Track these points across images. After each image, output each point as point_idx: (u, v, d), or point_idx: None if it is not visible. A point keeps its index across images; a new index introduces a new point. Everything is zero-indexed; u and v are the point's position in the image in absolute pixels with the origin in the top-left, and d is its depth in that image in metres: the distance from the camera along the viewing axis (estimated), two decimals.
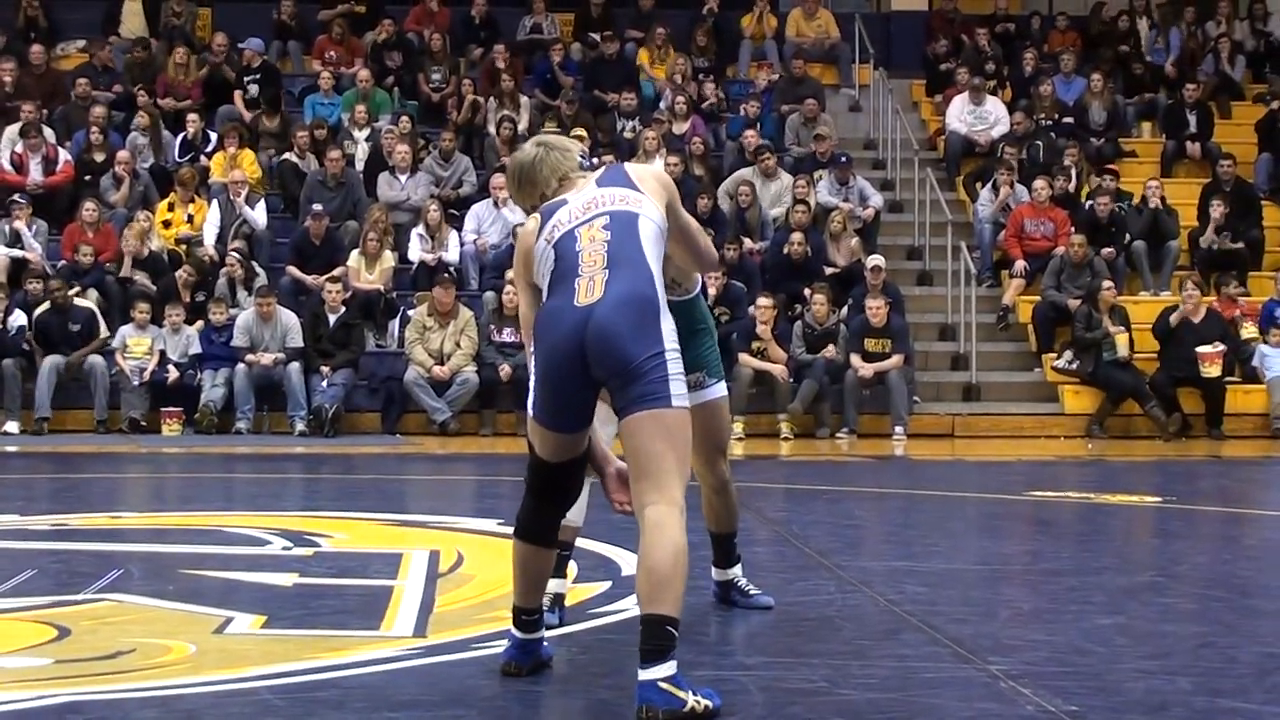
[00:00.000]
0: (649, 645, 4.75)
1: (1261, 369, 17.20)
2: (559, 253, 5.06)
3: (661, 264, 5.12)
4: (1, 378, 16.00)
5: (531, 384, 5.14)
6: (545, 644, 5.41)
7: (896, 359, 16.38)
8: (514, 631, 5.32)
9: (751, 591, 6.55)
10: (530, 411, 5.15)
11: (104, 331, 16.33)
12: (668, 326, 4.98)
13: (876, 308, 16.43)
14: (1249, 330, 17.58)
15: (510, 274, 16.89)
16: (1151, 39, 23.06)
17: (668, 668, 4.72)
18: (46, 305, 16.40)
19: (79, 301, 16.51)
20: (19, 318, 16.26)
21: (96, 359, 16.16)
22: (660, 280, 5.04)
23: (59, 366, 16.02)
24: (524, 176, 5.38)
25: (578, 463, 5.20)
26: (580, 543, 6.69)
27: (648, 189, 5.19)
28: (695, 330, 6.14)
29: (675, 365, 4.94)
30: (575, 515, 6.00)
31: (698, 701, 4.70)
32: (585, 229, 5.06)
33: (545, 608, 5.85)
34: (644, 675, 4.72)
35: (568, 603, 6.31)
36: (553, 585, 6.09)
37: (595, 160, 5.76)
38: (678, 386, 4.93)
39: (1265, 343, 17.33)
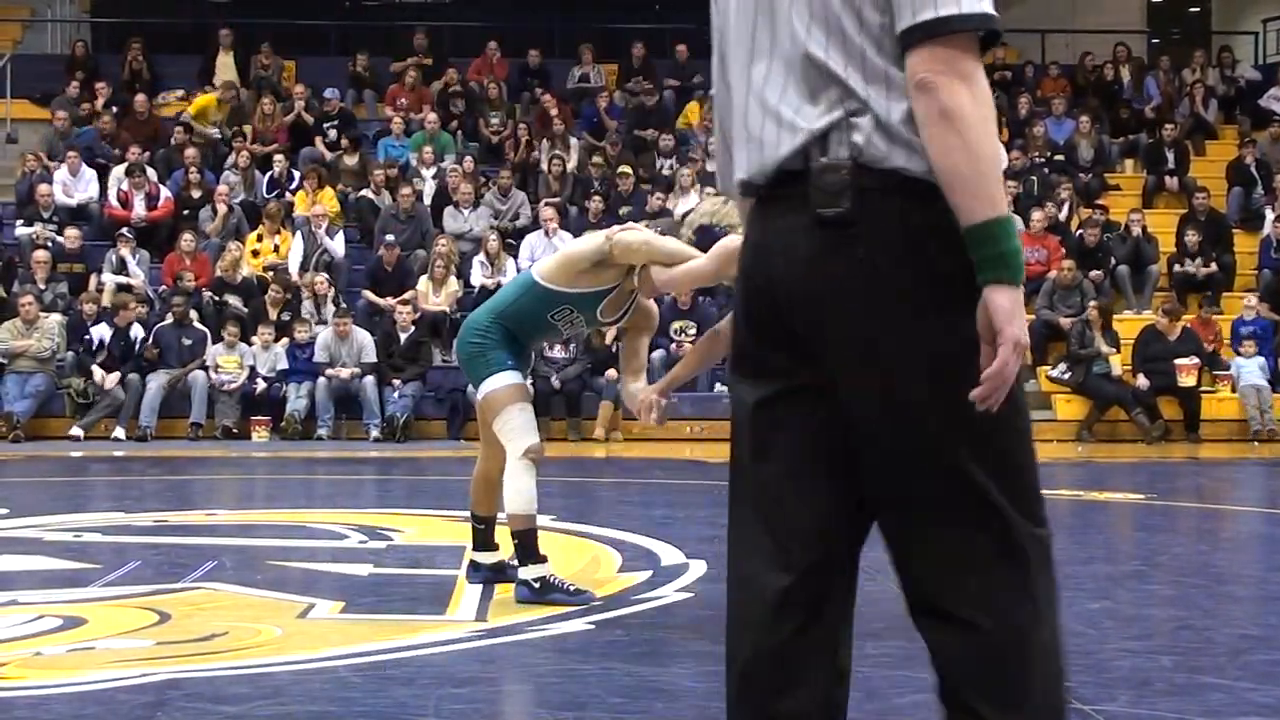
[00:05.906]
0: None
1: (1235, 379, 17.11)
2: None
3: None
4: (122, 391, 16.02)
5: None
6: None
7: None
8: None
9: None
10: None
11: (208, 353, 16.38)
12: None
13: None
14: (1225, 351, 17.49)
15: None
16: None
17: None
18: (169, 319, 16.49)
19: (197, 323, 16.59)
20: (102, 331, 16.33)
21: (199, 373, 16.20)
22: None
23: (164, 386, 16.04)
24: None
25: None
26: (624, 536, 6.68)
27: None
28: None
29: None
30: (528, 505, 6.23)
31: None
32: None
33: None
34: None
35: (611, 591, 6.39)
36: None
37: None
38: None
39: (1238, 355, 17.24)
